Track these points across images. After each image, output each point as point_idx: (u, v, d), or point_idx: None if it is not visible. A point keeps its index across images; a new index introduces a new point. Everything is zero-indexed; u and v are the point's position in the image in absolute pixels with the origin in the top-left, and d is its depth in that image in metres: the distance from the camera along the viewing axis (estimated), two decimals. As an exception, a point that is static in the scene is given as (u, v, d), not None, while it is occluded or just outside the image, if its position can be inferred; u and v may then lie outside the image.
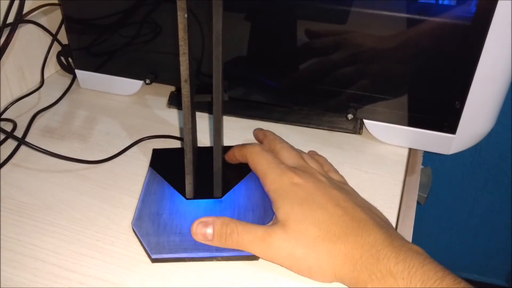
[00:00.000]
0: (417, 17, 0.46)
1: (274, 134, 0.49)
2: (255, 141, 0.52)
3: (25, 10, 0.57)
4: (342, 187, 0.42)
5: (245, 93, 0.57)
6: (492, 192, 1.07)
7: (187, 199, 0.44)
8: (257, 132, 0.51)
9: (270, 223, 0.41)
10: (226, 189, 0.45)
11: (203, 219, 0.40)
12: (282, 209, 0.39)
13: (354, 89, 0.51)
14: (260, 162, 0.43)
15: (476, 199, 1.10)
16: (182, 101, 0.39)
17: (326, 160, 0.49)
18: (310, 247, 0.37)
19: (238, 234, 0.38)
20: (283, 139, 0.48)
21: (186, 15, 0.36)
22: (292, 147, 0.46)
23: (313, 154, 0.50)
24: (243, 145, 0.47)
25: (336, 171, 0.47)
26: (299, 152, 0.46)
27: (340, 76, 0.51)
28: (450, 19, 0.45)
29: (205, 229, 0.39)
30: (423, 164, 0.56)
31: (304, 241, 0.37)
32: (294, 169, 0.42)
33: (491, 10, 0.42)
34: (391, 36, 0.48)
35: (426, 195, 0.59)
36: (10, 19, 0.55)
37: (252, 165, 0.44)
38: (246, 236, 0.38)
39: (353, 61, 0.50)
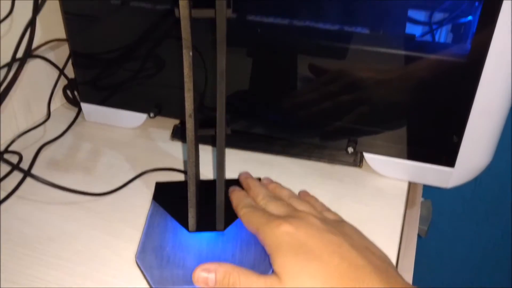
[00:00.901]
0: (414, 54, 0.47)
1: (256, 184, 0.49)
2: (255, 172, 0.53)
3: (34, 45, 0.59)
4: (336, 228, 0.41)
5: (246, 126, 0.58)
6: (493, 224, 1.07)
7: (190, 232, 0.44)
8: (242, 180, 0.50)
9: (272, 273, 0.41)
10: (228, 222, 0.45)
11: (205, 265, 0.39)
12: (277, 263, 0.38)
13: (353, 123, 0.52)
14: (251, 221, 0.43)
15: (477, 232, 1.10)
16: (187, 135, 0.40)
17: (316, 200, 0.49)
18: None
19: None
20: (265, 189, 0.47)
21: (191, 53, 0.37)
22: (276, 197, 0.46)
23: (304, 195, 0.50)
24: (235, 193, 0.47)
25: (329, 210, 0.47)
26: (288, 198, 0.46)
27: (340, 111, 0.52)
28: (446, 56, 0.47)
29: (207, 277, 0.39)
30: (423, 196, 0.56)
31: None
32: (284, 217, 0.41)
33: (485, 47, 0.44)
34: (389, 72, 0.49)
35: (426, 228, 0.59)
36: (19, 53, 0.57)
37: (245, 225, 0.44)
38: None
39: (352, 97, 0.51)
